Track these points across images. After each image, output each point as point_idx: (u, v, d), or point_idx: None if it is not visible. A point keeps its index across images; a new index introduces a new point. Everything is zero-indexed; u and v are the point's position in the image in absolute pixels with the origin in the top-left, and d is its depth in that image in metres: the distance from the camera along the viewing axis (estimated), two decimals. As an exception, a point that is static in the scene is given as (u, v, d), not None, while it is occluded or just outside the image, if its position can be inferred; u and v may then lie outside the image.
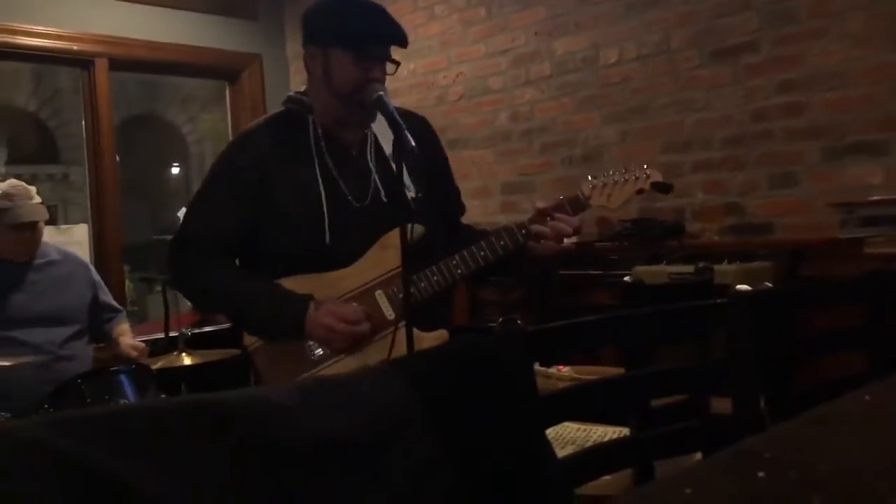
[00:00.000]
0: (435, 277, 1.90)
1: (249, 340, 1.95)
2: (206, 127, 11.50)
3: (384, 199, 1.95)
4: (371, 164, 1.96)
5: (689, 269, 2.55)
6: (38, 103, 14.45)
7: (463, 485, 0.77)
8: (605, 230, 3.17)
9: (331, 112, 1.95)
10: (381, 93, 1.88)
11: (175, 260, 1.94)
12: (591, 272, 3.01)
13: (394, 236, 1.91)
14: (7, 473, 0.50)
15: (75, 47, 3.83)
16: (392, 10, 4.20)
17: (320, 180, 1.91)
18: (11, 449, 0.51)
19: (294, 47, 4.58)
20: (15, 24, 3.66)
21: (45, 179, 14.37)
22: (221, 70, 4.42)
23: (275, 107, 4.75)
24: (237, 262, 1.99)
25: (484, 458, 0.82)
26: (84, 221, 3.15)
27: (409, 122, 1.87)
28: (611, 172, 1.88)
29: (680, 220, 3.02)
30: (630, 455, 1.36)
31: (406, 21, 3.99)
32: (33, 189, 2.98)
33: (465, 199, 3.89)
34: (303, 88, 2.02)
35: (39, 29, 3.72)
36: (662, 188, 1.93)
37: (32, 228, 2.92)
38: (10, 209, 2.86)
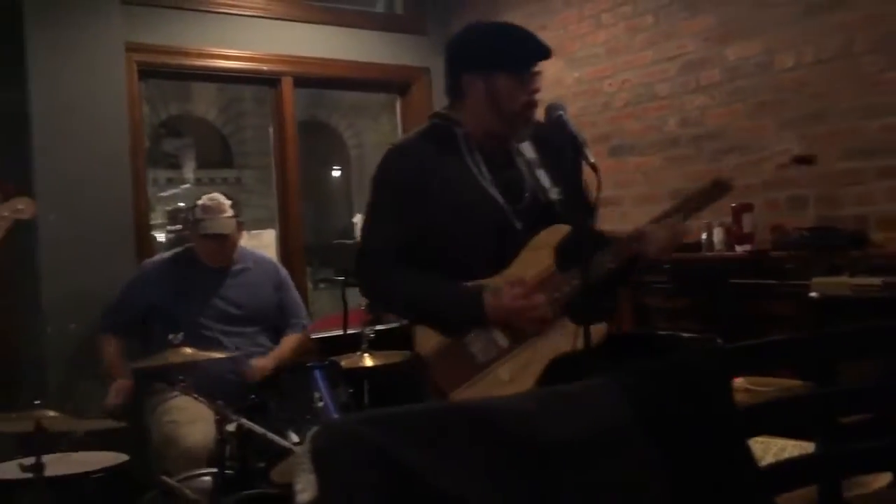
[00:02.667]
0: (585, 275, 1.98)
1: (423, 348, 2.09)
2: (376, 138, 11.99)
3: (538, 203, 2.06)
4: (522, 170, 2.08)
5: (875, 281, 2.46)
6: (216, 112, 15.59)
7: (675, 490, 0.85)
8: (779, 238, 3.10)
9: (489, 128, 2.07)
10: (561, 112, 2.00)
11: (359, 272, 2.14)
12: (766, 281, 2.96)
13: (542, 238, 2.03)
14: (333, 461, 0.64)
15: (265, 68, 4.18)
16: (557, 20, 4.29)
17: (475, 186, 2.05)
18: (335, 441, 0.65)
19: (461, 59, 4.76)
20: (211, 49, 4.04)
21: (220, 183, 15.50)
22: (393, 84, 4.67)
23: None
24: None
25: (693, 466, 0.90)
26: (255, 222, 3.45)
27: (556, 134, 1.97)
28: None
29: (862, 229, 2.91)
30: (818, 471, 1.37)
31: (571, 31, 4.07)
32: (228, 203, 3.29)
33: (630, 206, 3.93)
34: (446, 106, 2.17)
35: (233, 52, 4.09)
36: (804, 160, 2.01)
37: (221, 241, 3.24)
38: (203, 221, 3.20)
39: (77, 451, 2.71)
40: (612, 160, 3.84)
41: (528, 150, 2.11)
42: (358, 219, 4.69)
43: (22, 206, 2.47)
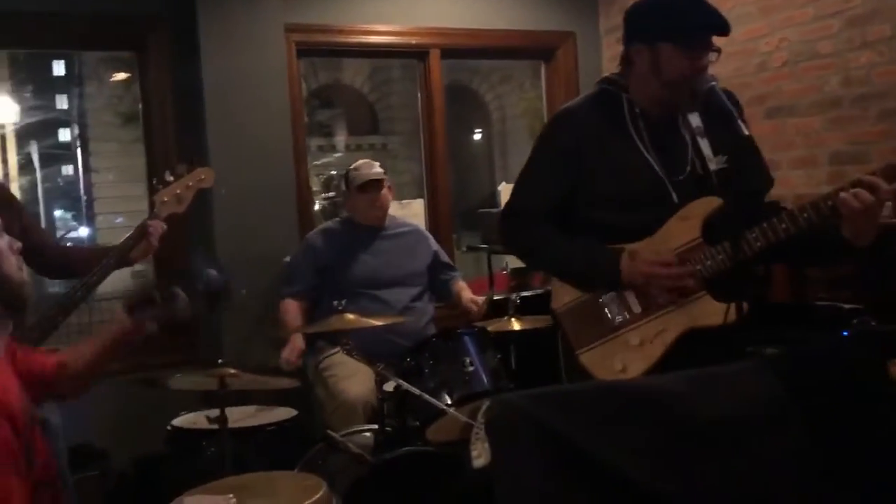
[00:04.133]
0: (732, 250, 1.95)
1: (557, 304, 2.19)
2: (522, 105, 11.98)
3: (700, 172, 2.04)
4: (686, 139, 2.06)
5: None
6: (362, 79, 16.02)
7: (828, 473, 0.88)
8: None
9: (654, 97, 2.08)
10: (714, 83, 1.98)
11: (505, 226, 2.25)
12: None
13: (693, 208, 2.02)
14: (503, 434, 0.72)
15: (413, 41, 4.30)
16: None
17: (636, 155, 2.07)
18: (506, 415, 0.73)
19: (607, 23, 4.68)
20: (362, 25, 4.20)
21: (367, 149, 15.94)
22: (538, 50, 4.67)
23: (589, 83, 4.88)
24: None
25: (846, 450, 0.91)
26: (400, 186, 3.62)
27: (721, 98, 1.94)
28: None
29: None
30: None
31: (724, -12, 3.90)
32: (377, 164, 3.54)
33: (787, 170, 3.76)
34: (616, 71, 2.18)
35: (382, 27, 4.23)
36: None
37: (376, 189, 3.45)
38: (356, 175, 3.45)
39: (253, 405, 3.00)
40: (768, 123, 3.69)
41: (694, 118, 2.09)
42: (503, 187, 4.78)
43: (204, 176, 2.71)
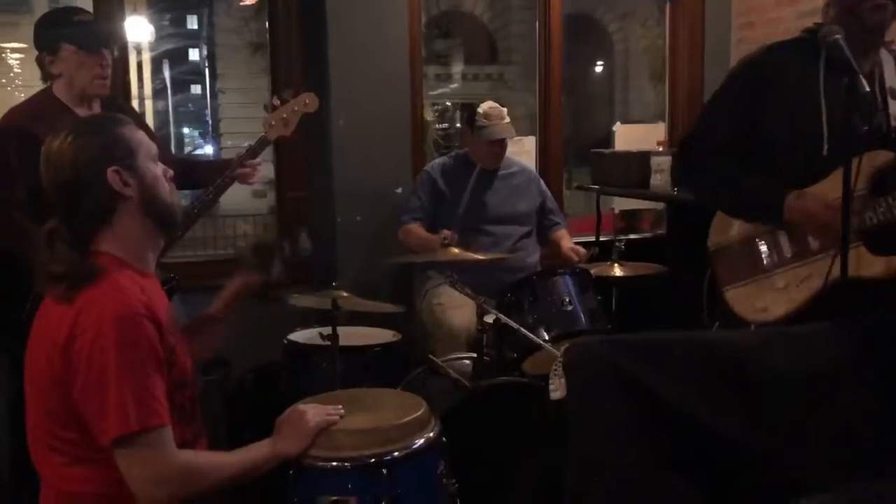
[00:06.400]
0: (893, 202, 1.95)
1: (711, 242, 2.28)
2: (644, 43, 11.61)
3: (876, 129, 2.04)
4: (876, 93, 2.05)
5: None
6: (482, 7, 15.80)
7: (889, 436, 0.91)
8: None
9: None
10: (838, 37, 1.93)
11: (680, 154, 2.36)
12: None
13: (864, 161, 1.99)
14: (578, 374, 0.81)
15: (533, -30, 4.26)
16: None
17: (811, 102, 2.06)
18: (585, 360, 0.82)
19: (739, -41, 4.47)
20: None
21: (484, 79, 15.81)
22: (666, -14, 4.53)
23: (715, 26, 4.69)
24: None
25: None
26: (513, 120, 3.63)
27: None
28: None
29: None
30: None
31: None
32: (505, 111, 3.58)
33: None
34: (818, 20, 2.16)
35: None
36: None
37: (502, 144, 3.53)
38: (487, 127, 3.50)
39: (361, 326, 3.19)
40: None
41: (890, 75, 2.08)
42: (617, 127, 4.73)
43: (308, 101, 2.84)
